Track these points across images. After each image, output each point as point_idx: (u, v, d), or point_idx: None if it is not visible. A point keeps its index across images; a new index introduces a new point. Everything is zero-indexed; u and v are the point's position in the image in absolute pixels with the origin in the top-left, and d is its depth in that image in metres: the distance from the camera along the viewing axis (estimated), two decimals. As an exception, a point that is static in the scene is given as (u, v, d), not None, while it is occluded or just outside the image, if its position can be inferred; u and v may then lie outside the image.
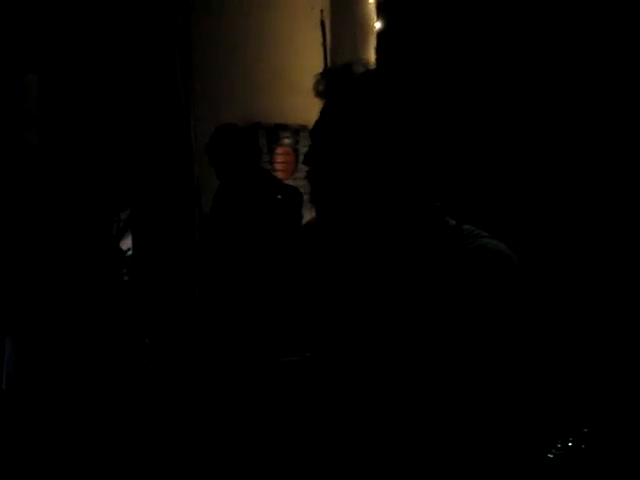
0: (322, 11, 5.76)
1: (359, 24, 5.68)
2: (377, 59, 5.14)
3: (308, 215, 4.73)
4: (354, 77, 1.51)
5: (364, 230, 1.50)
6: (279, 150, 5.85)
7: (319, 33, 5.69)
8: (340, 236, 1.53)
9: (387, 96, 1.48)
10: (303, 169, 5.96)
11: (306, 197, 5.45)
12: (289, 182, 4.85)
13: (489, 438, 1.45)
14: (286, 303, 4.33)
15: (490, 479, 1.47)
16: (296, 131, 5.85)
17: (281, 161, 5.87)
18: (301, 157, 6.01)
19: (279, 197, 4.30)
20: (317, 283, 1.65)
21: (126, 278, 5.20)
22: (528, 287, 1.46)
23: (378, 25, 5.31)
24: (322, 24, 5.72)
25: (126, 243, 5.30)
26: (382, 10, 5.20)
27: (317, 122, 1.54)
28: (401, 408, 1.48)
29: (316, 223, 1.64)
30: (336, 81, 1.52)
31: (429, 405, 1.46)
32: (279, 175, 5.23)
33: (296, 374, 1.63)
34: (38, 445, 3.94)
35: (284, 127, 5.80)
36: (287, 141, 5.88)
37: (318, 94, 1.54)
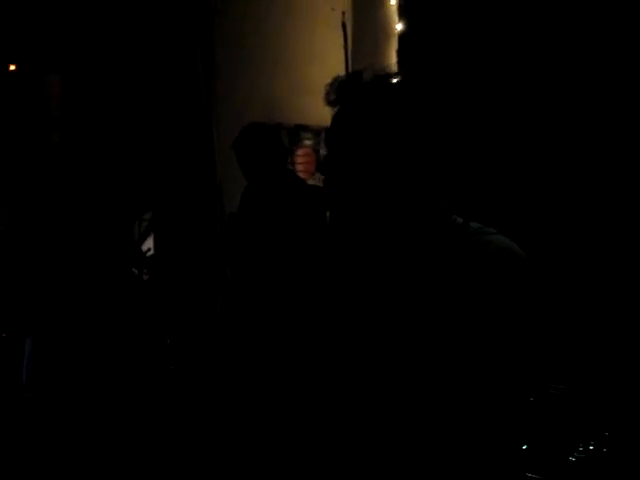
0: (344, 13, 5.77)
1: (380, 26, 5.68)
2: (398, 61, 5.14)
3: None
4: (362, 84, 1.55)
5: (374, 232, 1.54)
6: (300, 151, 5.86)
7: (340, 35, 5.70)
8: (353, 236, 1.57)
9: (392, 102, 1.52)
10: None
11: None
12: (310, 182, 4.85)
13: (491, 433, 1.47)
14: (309, 301, 4.33)
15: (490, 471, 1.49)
16: (317, 132, 5.85)
17: (302, 162, 5.87)
18: (322, 158, 6.00)
19: (305, 198, 4.30)
20: (332, 282, 1.68)
21: (145, 278, 5.22)
22: (534, 282, 1.49)
23: (399, 27, 5.30)
24: (343, 26, 5.72)
25: (147, 243, 5.32)
26: (403, 12, 5.20)
27: (328, 130, 1.59)
28: (405, 403, 1.50)
29: (331, 227, 1.69)
30: (345, 90, 1.56)
31: (433, 401, 1.48)
32: (300, 176, 5.24)
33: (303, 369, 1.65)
34: (56, 439, 3.97)
35: (305, 128, 5.80)
36: (308, 142, 5.88)
37: (329, 104, 1.58)
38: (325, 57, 5.75)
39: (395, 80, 1.55)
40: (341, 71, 5.61)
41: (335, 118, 1.57)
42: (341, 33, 5.70)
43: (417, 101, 1.53)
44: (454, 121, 1.56)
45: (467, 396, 1.46)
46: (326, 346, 1.65)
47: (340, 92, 1.57)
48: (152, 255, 5.26)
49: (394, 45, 5.41)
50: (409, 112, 1.51)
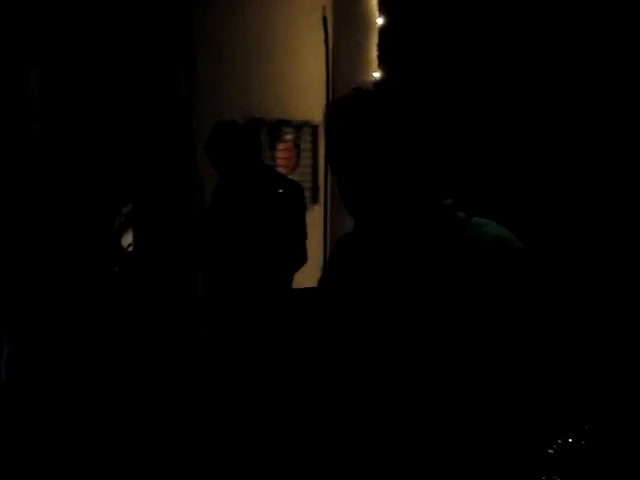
0: (324, 8, 5.76)
1: (361, 20, 5.67)
2: (379, 55, 5.15)
3: (309, 210, 4.72)
4: (358, 96, 1.56)
5: (376, 228, 1.57)
6: (281, 146, 5.85)
7: (321, 29, 5.69)
8: (360, 231, 1.62)
9: (389, 104, 1.53)
10: (305, 164, 5.99)
11: (307, 193, 5.46)
12: (291, 177, 4.85)
13: (495, 428, 1.48)
14: (286, 297, 4.33)
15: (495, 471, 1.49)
16: (298, 127, 5.85)
17: (283, 156, 5.87)
18: (303, 152, 6.01)
19: (280, 191, 4.29)
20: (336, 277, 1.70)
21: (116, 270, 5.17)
22: (529, 268, 1.51)
23: (380, 21, 5.31)
24: (324, 20, 5.72)
25: (127, 239, 5.30)
26: (384, 6, 5.21)
27: (327, 130, 1.59)
28: (407, 399, 1.50)
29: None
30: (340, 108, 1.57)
31: (433, 396, 1.48)
32: (281, 170, 5.23)
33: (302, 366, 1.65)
34: (35, 439, 3.95)
35: (286, 123, 5.80)
36: (289, 137, 5.88)
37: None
38: (306, 52, 5.74)
39: (390, 85, 1.57)
40: (322, 66, 5.61)
41: (332, 119, 1.58)
42: (322, 28, 5.69)
43: (412, 102, 1.55)
44: (446, 124, 1.58)
45: (468, 393, 1.47)
46: (319, 342, 1.66)
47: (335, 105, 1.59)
48: (132, 251, 5.24)
49: (375, 39, 5.41)
50: (405, 113, 1.53)
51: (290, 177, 4.81)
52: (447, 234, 1.54)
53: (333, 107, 1.59)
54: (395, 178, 1.51)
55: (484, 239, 1.51)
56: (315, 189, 6.02)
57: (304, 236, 4.35)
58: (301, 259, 4.33)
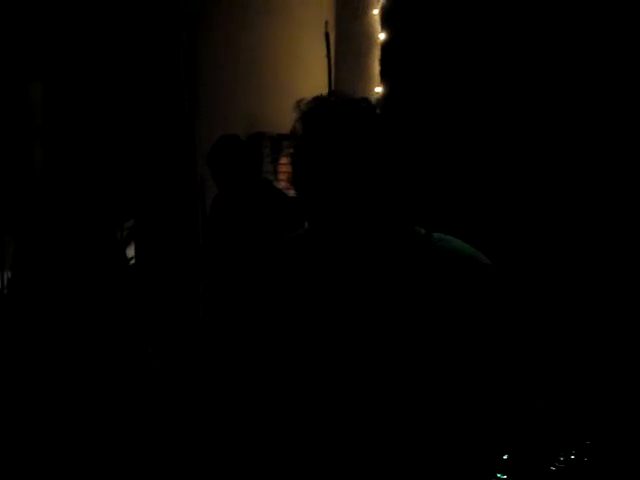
0: (327, 22, 5.78)
1: (363, 35, 5.69)
2: (381, 70, 5.16)
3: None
4: (328, 107, 1.59)
5: (342, 240, 1.57)
6: (283, 160, 5.86)
7: (323, 44, 5.71)
8: (324, 245, 1.61)
9: (358, 121, 1.55)
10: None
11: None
12: (293, 192, 4.85)
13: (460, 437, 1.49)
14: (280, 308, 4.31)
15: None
16: (300, 141, 5.85)
17: (285, 171, 5.88)
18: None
19: (277, 206, 4.29)
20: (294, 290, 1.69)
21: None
22: (499, 288, 1.54)
23: (382, 36, 5.32)
24: (326, 35, 5.73)
25: (129, 252, 5.30)
26: (386, 22, 5.22)
27: (296, 149, 1.65)
28: (380, 407, 1.52)
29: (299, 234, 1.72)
30: (313, 112, 1.61)
31: (406, 403, 1.49)
32: (283, 185, 5.23)
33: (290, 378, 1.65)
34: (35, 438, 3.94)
35: (288, 137, 5.79)
36: (291, 151, 5.88)
37: (293, 135, 1.66)
38: (308, 66, 5.76)
39: (359, 103, 1.58)
40: (324, 81, 5.62)
41: (302, 139, 1.63)
42: (324, 42, 5.71)
43: (381, 121, 1.57)
44: (411, 143, 1.61)
45: (435, 402, 1.48)
46: (293, 354, 1.66)
47: (307, 114, 1.61)
48: (134, 263, 5.24)
49: (377, 54, 5.43)
50: (373, 131, 1.55)
51: (292, 192, 4.81)
52: (413, 248, 1.56)
53: (309, 119, 1.59)
54: (370, 195, 1.52)
55: (450, 255, 1.54)
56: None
57: None
58: None
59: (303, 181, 1.59)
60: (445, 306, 1.50)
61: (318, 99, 1.62)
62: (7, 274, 4.68)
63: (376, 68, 5.41)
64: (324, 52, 5.70)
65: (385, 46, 5.21)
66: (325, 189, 1.53)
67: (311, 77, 5.73)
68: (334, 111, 1.57)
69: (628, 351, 3.45)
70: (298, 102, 1.62)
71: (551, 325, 3.60)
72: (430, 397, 1.50)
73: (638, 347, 3.42)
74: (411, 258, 1.55)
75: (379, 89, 5.23)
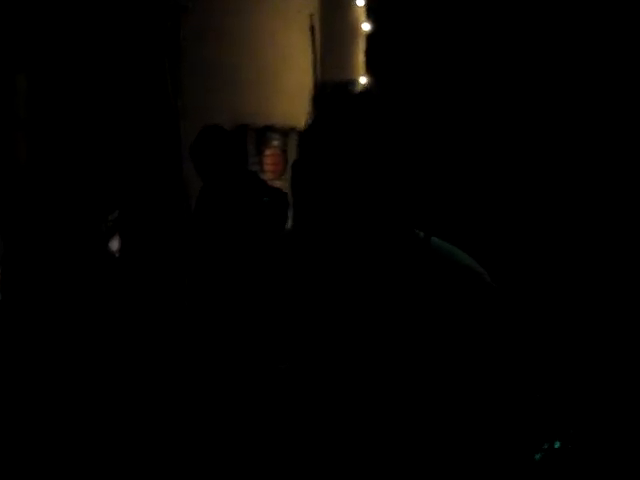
0: (312, 15, 5.77)
1: (348, 27, 5.69)
2: (366, 61, 5.16)
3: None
4: (345, 97, 1.56)
5: (338, 241, 1.55)
6: (268, 152, 5.85)
7: (308, 36, 5.70)
8: (322, 245, 1.59)
9: (362, 113, 1.53)
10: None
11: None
12: (278, 183, 4.86)
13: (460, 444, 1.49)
14: (271, 306, 4.32)
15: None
16: (285, 133, 5.85)
17: (270, 162, 5.87)
18: (290, 159, 6.01)
19: (265, 199, 4.29)
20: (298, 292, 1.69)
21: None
22: (493, 298, 1.53)
23: (366, 28, 5.33)
24: (312, 28, 5.73)
25: (113, 245, 5.28)
26: (370, 13, 5.22)
27: (301, 137, 1.59)
28: (383, 411, 1.51)
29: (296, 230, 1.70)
30: (328, 99, 1.58)
31: (411, 408, 1.49)
32: (268, 177, 5.23)
33: (287, 381, 1.65)
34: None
35: (273, 129, 5.80)
36: (276, 143, 5.88)
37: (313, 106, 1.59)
38: (294, 59, 5.76)
39: (366, 91, 1.57)
40: (309, 72, 5.62)
41: (310, 126, 1.57)
42: (309, 34, 5.71)
43: (383, 112, 1.54)
44: (415, 140, 1.59)
45: (436, 403, 1.48)
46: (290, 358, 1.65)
47: (322, 100, 1.59)
48: (119, 257, 5.23)
49: (362, 45, 5.43)
50: (375, 123, 1.52)
51: (277, 184, 4.82)
52: (413, 253, 1.55)
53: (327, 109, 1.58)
54: (377, 192, 1.50)
55: (446, 262, 1.54)
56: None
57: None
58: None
59: (311, 171, 1.54)
60: (439, 313, 1.49)
61: (340, 87, 1.59)
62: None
63: (361, 58, 5.42)
64: (309, 43, 5.70)
65: (370, 37, 5.21)
66: (334, 180, 1.50)
67: (296, 68, 5.73)
68: (353, 104, 1.54)
69: (611, 342, 3.48)
70: (320, 86, 1.60)
71: (542, 326, 3.61)
72: (425, 401, 1.49)
73: (620, 337, 3.45)
74: (409, 261, 1.54)
75: (363, 79, 5.23)
